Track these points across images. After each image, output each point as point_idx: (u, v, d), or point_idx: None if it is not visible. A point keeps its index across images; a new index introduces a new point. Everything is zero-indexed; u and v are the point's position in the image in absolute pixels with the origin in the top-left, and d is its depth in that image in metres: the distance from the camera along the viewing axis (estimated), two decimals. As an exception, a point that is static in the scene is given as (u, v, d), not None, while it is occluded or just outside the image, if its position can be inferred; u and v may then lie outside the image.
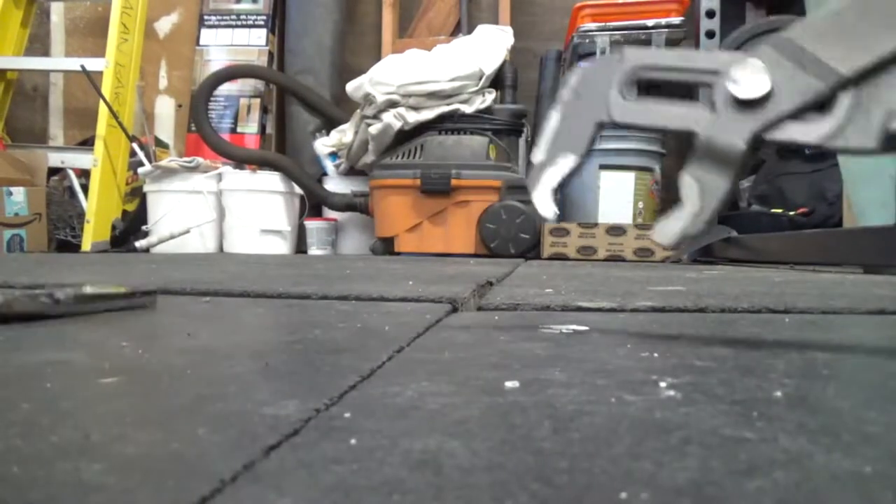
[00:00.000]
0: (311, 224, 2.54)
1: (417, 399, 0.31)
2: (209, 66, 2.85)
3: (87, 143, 2.68)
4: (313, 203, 2.61)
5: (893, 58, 0.37)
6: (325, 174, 2.61)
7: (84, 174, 2.52)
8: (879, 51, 0.38)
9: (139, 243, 2.33)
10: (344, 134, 2.52)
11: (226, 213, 2.50)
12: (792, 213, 2.14)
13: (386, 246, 2.31)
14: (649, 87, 0.48)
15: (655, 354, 0.44)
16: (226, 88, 2.78)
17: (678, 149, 2.79)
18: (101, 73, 2.41)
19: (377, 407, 0.30)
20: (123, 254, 2.19)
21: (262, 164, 2.52)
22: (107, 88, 2.38)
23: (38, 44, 3.01)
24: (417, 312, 0.64)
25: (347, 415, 0.29)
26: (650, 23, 2.30)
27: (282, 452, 0.23)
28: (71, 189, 2.61)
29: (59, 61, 2.89)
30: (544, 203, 0.48)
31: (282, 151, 2.83)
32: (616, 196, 2.32)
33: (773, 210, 2.21)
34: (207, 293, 0.82)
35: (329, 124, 2.71)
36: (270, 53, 2.90)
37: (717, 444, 0.25)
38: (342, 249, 2.61)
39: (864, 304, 0.75)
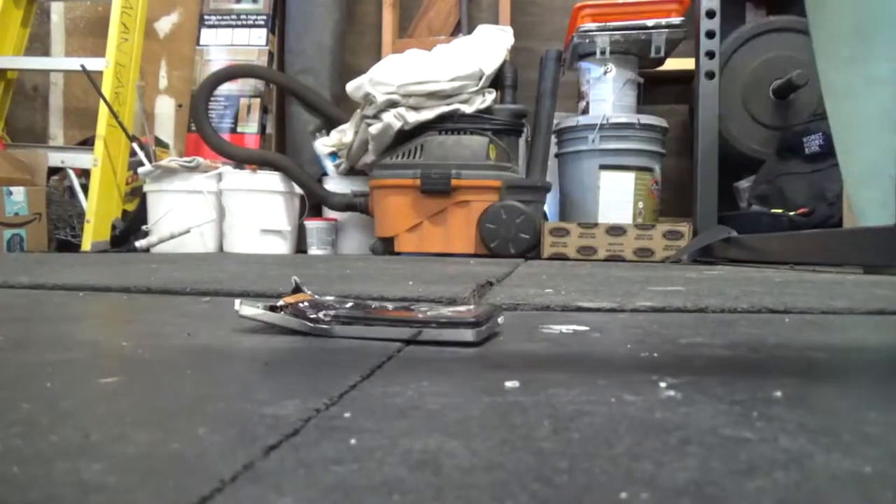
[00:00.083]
0: (311, 224, 2.54)
1: (417, 399, 0.31)
2: (209, 66, 2.85)
3: (87, 143, 2.68)
4: (313, 203, 2.61)
5: None
6: (325, 174, 2.61)
7: (84, 174, 2.52)
8: None
9: (139, 243, 2.33)
10: (344, 134, 2.52)
11: (226, 213, 2.50)
12: (792, 213, 2.14)
13: (386, 246, 2.31)
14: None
15: (655, 354, 0.44)
16: (226, 88, 2.78)
17: (678, 149, 2.80)
18: (101, 72, 2.41)
19: (377, 407, 0.30)
20: (123, 253, 2.19)
21: (262, 163, 2.52)
22: (107, 88, 2.38)
23: (39, 43, 3.01)
24: (417, 312, 0.64)
25: (347, 415, 0.29)
26: (650, 23, 2.30)
27: (282, 452, 0.23)
28: (71, 189, 2.61)
29: (59, 61, 2.89)
30: None
31: (282, 151, 2.83)
32: (616, 196, 2.32)
33: (773, 210, 2.21)
34: (207, 293, 0.82)
35: (329, 124, 2.71)
36: (270, 53, 2.90)
37: (717, 444, 0.25)
38: (342, 249, 2.61)
39: (864, 304, 0.75)
